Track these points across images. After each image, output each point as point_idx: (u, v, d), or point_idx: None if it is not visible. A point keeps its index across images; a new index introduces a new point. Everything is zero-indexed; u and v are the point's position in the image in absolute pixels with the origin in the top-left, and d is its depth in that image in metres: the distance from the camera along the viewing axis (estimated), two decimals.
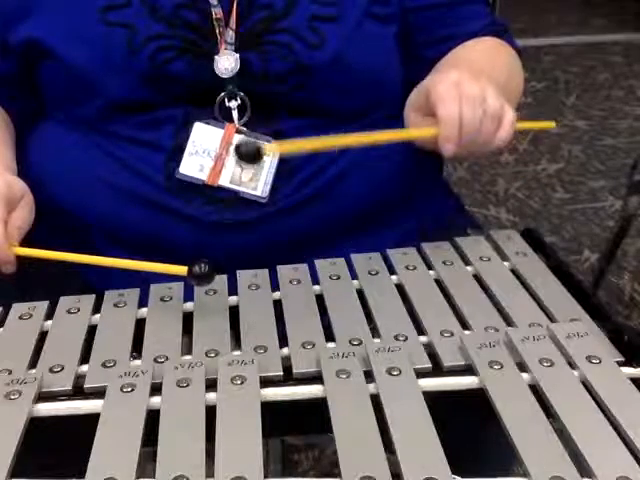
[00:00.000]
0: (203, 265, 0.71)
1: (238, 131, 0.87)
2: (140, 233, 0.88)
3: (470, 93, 0.76)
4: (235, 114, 0.87)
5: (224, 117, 0.87)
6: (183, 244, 0.87)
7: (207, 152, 0.87)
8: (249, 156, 0.73)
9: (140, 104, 0.86)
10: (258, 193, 0.86)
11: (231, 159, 0.87)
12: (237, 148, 0.75)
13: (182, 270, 0.72)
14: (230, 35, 0.86)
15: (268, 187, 0.86)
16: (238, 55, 0.86)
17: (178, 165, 0.86)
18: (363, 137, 0.81)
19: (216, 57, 0.86)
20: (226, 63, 0.86)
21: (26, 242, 0.80)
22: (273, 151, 0.79)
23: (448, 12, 0.95)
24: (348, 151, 0.88)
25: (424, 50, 0.95)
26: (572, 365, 0.62)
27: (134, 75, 0.85)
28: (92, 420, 0.56)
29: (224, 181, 0.86)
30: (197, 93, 0.87)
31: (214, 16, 0.86)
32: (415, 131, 0.81)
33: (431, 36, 0.95)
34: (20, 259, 0.77)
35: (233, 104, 0.87)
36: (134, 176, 0.87)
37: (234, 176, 0.87)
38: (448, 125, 0.76)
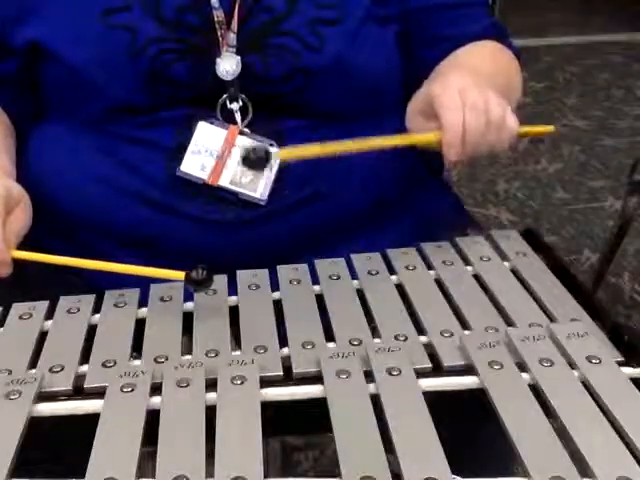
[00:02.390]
0: (200, 270, 0.71)
1: (241, 133, 0.88)
2: (140, 233, 0.88)
3: (474, 101, 0.76)
4: (238, 116, 0.87)
5: (226, 119, 0.87)
6: (184, 244, 0.87)
7: (209, 152, 0.87)
8: (258, 161, 0.72)
9: (142, 106, 0.87)
10: (257, 195, 0.86)
11: (233, 160, 0.87)
12: (246, 156, 0.74)
13: (179, 275, 0.72)
14: (231, 38, 0.86)
15: (268, 190, 0.86)
16: (239, 58, 0.86)
17: (179, 165, 0.86)
18: (367, 142, 0.81)
19: (217, 60, 0.86)
20: (227, 65, 0.86)
21: (25, 242, 0.80)
22: (279, 157, 0.79)
23: (448, 14, 0.96)
24: (347, 153, 0.88)
25: (424, 51, 0.95)
26: (572, 365, 0.62)
27: (136, 78, 0.85)
28: (92, 420, 0.56)
29: (224, 181, 0.87)
30: (199, 95, 0.87)
31: (216, 19, 0.86)
32: (418, 137, 0.81)
33: (431, 37, 0.95)
34: (17, 261, 0.77)
35: (235, 106, 0.87)
36: (135, 176, 0.87)
37: (234, 177, 0.87)
38: (452, 133, 0.76)
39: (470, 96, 0.77)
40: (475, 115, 0.76)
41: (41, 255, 0.78)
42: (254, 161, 0.72)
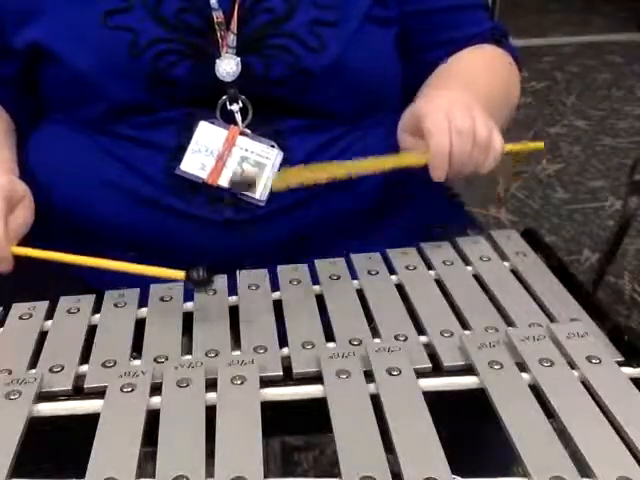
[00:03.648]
0: (201, 270, 0.71)
1: (242, 133, 0.88)
2: (141, 233, 0.88)
3: (460, 126, 0.78)
4: (238, 117, 0.87)
5: (226, 120, 0.88)
6: (184, 244, 0.87)
7: (210, 151, 0.87)
8: (202, 282, 0.72)
9: (142, 107, 0.87)
10: (257, 196, 0.86)
11: (233, 160, 0.87)
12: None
13: (179, 275, 0.72)
14: (231, 39, 0.86)
15: (267, 191, 0.86)
16: (239, 59, 0.86)
17: (179, 162, 0.86)
18: (356, 165, 0.82)
19: (217, 61, 0.86)
20: (227, 67, 0.86)
21: (26, 242, 0.80)
22: (276, 187, 0.82)
23: (447, 17, 0.96)
24: (346, 155, 0.89)
25: (423, 53, 0.95)
26: (572, 365, 0.62)
27: (136, 79, 0.85)
28: (92, 420, 0.56)
29: (224, 181, 0.87)
30: (199, 96, 0.87)
31: (215, 20, 0.86)
32: (407, 159, 0.83)
33: (430, 40, 0.95)
34: (19, 259, 0.77)
35: (235, 107, 0.87)
36: (135, 176, 0.87)
37: (234, 177, 0.87)
38: (438, 157, 0.79)
39: (457, 120, 0.79)
40: (461, 139, 0.78)
41: (41, 252, 0.78)
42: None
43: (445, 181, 0.81)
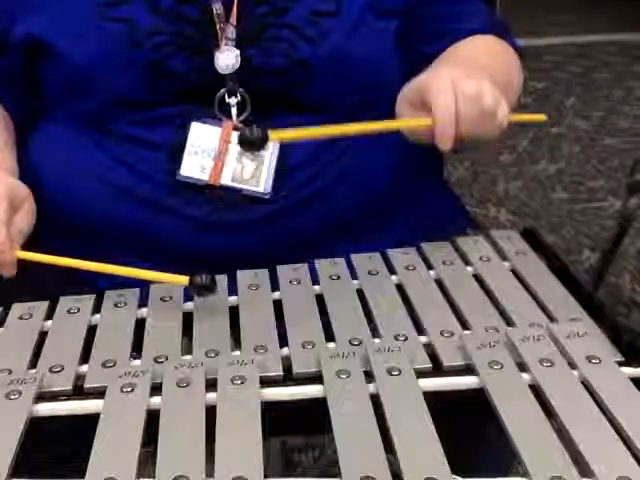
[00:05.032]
0: (205, 276, 0.71)
1: (235, 128, 0.87)
2: (140, 233, 0.88)
3: (467, 90, 0.75)
4: (234, 111, 0.87)
5: (224, 114, 0.87)
6: (183, 244, 0.87)
7: (206, 152, 0.87)
8: (256, 141, 0.71)
9: (140, 101, 0.86)
10: (261, 189, 0.86)
11: (231, 157, 0.87)
12: (243, 137, 0.73)
13: (183, 280, 0.72)
14: (231, 31, 0.86)
15: (270, 182, 0.86)
16: (239, 51, 0.86)
17: (178, 164, 0.86)
18: (357, 127, 0.80)
19: (216, 53, 0.86)
20: (227, 59, 0.86)
21: (26, 242, 0.80)
22: (275, 138, 0.78)
23: (448, 8, 0.95)
24: (348, 151, 0.88)
25: (424, 46, 0.95)
26: (572, 365, 0.62)
27: (134, 71, 0.85)
28: (92, 420, 0.56)
29: (226, 180, 0.86)
30: (197, 89, 0.87)
31: (215, 12, 0.85)
32: (410, 121, 0.79)
33: (431, 32, 0.95)
34: (19, 262, 0.77)
35: (233, 101, 0.87)
36: (134, 175, 0.87)
37: (235, 174, 0.87)
38: (444, 120, 0.75)
39: (463, 85, 0.75)
40: (469, 105, 0.75)
41: (46, 256, 0.78)
42: (253, 141, 0.71)
43: (450, 150, 0.77)
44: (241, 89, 0.87)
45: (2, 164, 0.87)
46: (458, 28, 0.95)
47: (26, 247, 0.79)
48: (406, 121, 0.80)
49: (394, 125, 0.81)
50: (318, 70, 0.86)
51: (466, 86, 0.75)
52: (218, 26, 0.86)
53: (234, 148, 0.87)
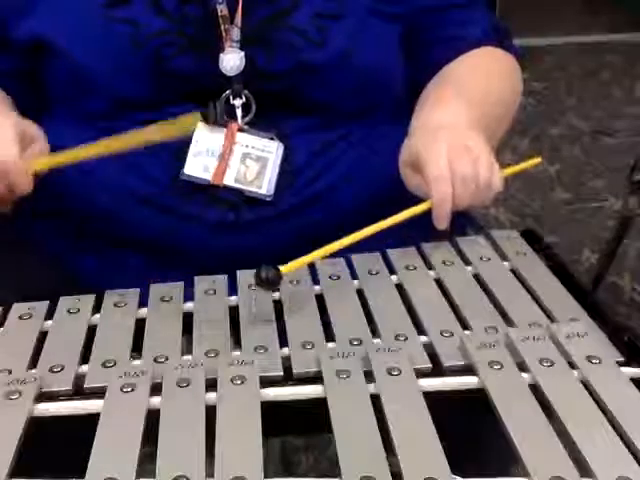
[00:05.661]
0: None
1: (241, 130, 0.87)
2: (143, 233, 0.88)
3: (463, 172, 0.77)
4: (239, 112, 0.87)
5: (229, 115, 0.87)
6: (186, 244, 0.87)
7: (211, 152, 0.87)
8: (272, 281, 0.71)
9: (144, 102, 0.86)
10: (263, 192, 0.86)
11: (235, 158, 0.87)
12: (258, 278, 0.71)
13: (195, 119, 0.72)
14: (235, 32, 0.86)
15: (273, 185, 0.86)
16: (243, 53, 0.86)
17: (182, 165, 0.86)
18: (364, 232, 0.79)
19: (221, 55, 0.85)
20: (231, 61, 0.85)
21: (27, 239, 0.80)
22: (286, 271, 0.75)
23: (451, 15, 0.95)
24: (349, 153, 0.89)
25: (426, 52, 0.95)
26: (572, 365, 0.62)
27: (138, 71, 0.85)
28: (92, 420, 0.56)
29: (229, 180, 0.86)
30: (201, 91, 0.87)
31: (219, 13, 0.85)
32: (410, 212, 0.81)
33: (433, 38, 0.95)
34: (21, 259, 0.77)
35: (238, 102, 0.87)
36: (138, 176, 0.87)
37: (239, 175, 0.87)
38: (442, 206, 0.78)
39: (458, 165, 0.77)
40: (464, 185, 0.77)
41: (58, 156, 0.79)
42: (271, 281, 0.71)
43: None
44: (246, 91, 0.87)
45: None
46: (460, 35, 0.95)
47: (28, 246, 0.79)
48: (407, 213, 0.81)
49: (395, 221, 0.81)
50: (321, 73, 0.86)
51: (462, 167, 0.77)
52: (223, 27, 0.85)
53: (238, 149, 0.87)
